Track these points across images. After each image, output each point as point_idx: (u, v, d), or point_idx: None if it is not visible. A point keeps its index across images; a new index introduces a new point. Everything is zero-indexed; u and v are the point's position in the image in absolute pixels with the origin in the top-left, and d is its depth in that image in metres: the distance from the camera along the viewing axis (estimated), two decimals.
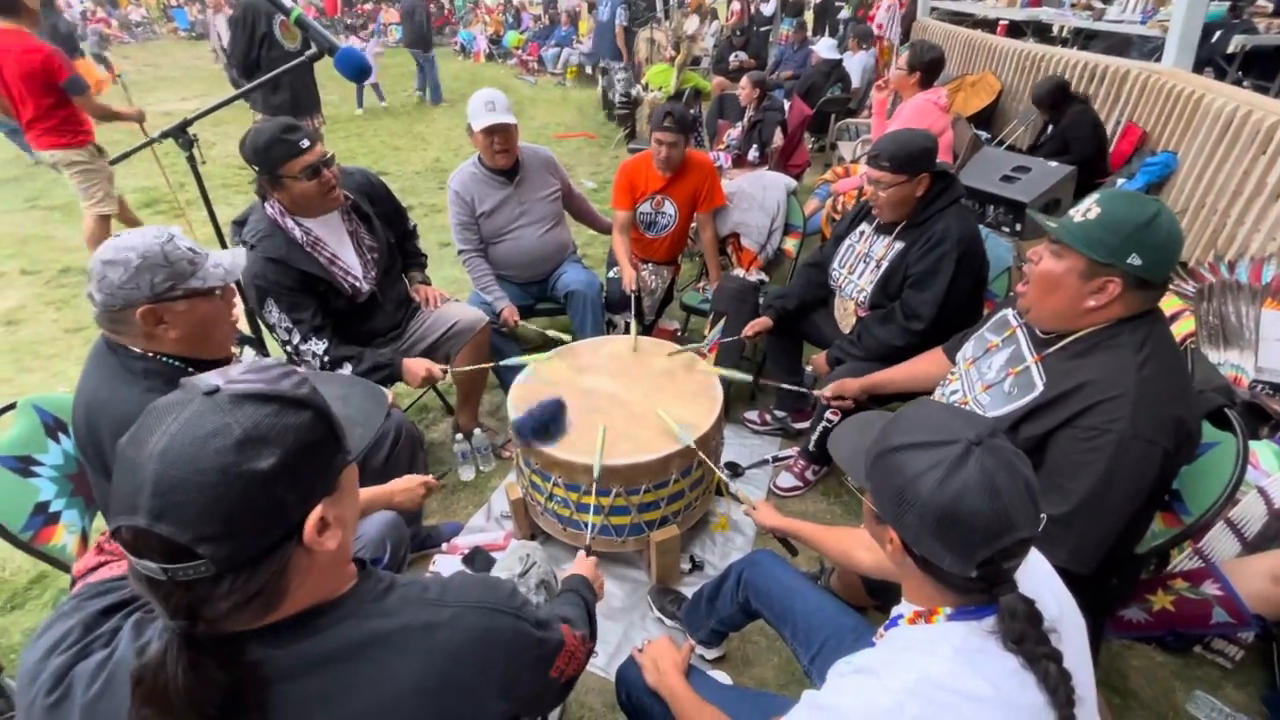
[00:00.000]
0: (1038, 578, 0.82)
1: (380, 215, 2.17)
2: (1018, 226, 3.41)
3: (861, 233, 2.15)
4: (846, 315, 2.20)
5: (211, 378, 0.60)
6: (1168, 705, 1.64)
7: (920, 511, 0.72)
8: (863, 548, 1.29)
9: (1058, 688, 0.70)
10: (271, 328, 1.97)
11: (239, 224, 1.96)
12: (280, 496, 0.58)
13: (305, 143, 1.78)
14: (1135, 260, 1.15)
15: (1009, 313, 1.52)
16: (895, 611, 0.86)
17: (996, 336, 1.52)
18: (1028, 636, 0.71)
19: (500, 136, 2.47)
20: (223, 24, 7.36)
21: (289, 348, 1.99)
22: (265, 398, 0.59)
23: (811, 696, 0.81)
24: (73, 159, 3.35)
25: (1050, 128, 4.00)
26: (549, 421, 1.77)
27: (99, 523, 1.46)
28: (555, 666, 0.82)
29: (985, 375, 1.48)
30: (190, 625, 0.57)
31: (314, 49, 1.56)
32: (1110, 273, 1.18)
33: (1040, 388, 1.28)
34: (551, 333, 2.35)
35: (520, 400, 1.94)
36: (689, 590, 1.84)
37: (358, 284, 2.06)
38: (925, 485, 0.72)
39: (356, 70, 1.55)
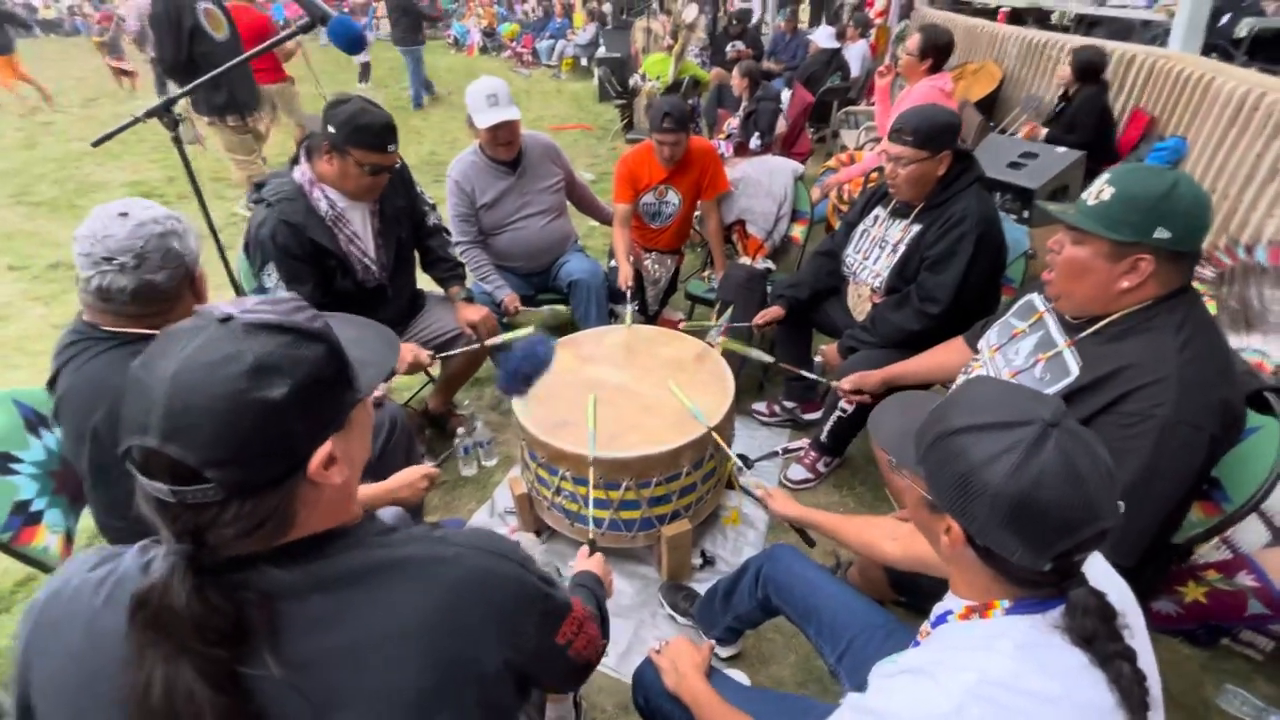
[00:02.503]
0: (1098, 569, 0.76)
1: (400, 199, 2.09)
2: (1025, 214, 3.36)
3: (876, 217, 2.09)
4: (861, 301, 2.14)
5: (225, 306, 0.59)
6: (1197, 699, 1.59)
7: (991, 501, 0.65)
8: (888, 538, 1.22)
9: (1131, 690, 0.64)
10: (265, 293, 1.90)
11: (259, 186, 1.90)
12: (289, 427, 0.58)
13: (391, 148, 1.82)
14: (1163, 234, 1.10)
15: (1035, 297, 1.46)
16: (942, 607, 0.80)
17: (1022, 322, 1.46)
18: (1099, 634, 0.65)
19: (504, 131, 2.40)
20: (131, 12, 6.31)
21: None
22: (280, 328, 0.58)
23: (856, 700, 0.75)
24: (279, 90, 4.97)
25: (1064, 104, 3.89)
26: (532, 359, 1.70)
27: (85, 522, 1.39)
28: (562, 632, 0.78)
29: (1012, 362, 1.42)
30: (196, 549, 0.57)
31: (305, 19, 1.49)
32: (1138, 250, 1.12)
33: (1076, 372, 1.22)
34: (547, 308, 2.24)
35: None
36: (701, 586, 1.78)
37: (372, 267, 2.00)
38: (997, 471, 0.65)
39: (351, 41, 1.48)
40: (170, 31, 3.68)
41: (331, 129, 1.76)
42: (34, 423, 1.35)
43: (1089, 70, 3.76)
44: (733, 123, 4.58)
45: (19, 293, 3.83)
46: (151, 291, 1.14)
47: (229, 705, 0.55)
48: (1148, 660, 0.71)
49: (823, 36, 6.39)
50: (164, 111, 1.53)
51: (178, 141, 1.59)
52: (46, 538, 1.28)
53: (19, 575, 1.98)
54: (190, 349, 0.55)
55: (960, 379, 1.60)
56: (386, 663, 0.61)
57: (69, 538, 1.34)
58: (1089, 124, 3.72)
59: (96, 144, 1.56)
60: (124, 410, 0.56)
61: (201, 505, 0.55)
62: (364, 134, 1.76)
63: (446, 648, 0.64)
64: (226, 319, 0.57)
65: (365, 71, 9.93)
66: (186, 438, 0.53)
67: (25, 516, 1.26)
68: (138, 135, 6.96)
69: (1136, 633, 0.70)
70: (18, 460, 1.29)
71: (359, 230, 1.95)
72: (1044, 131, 3.95)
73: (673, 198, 2.78)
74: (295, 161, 1.87)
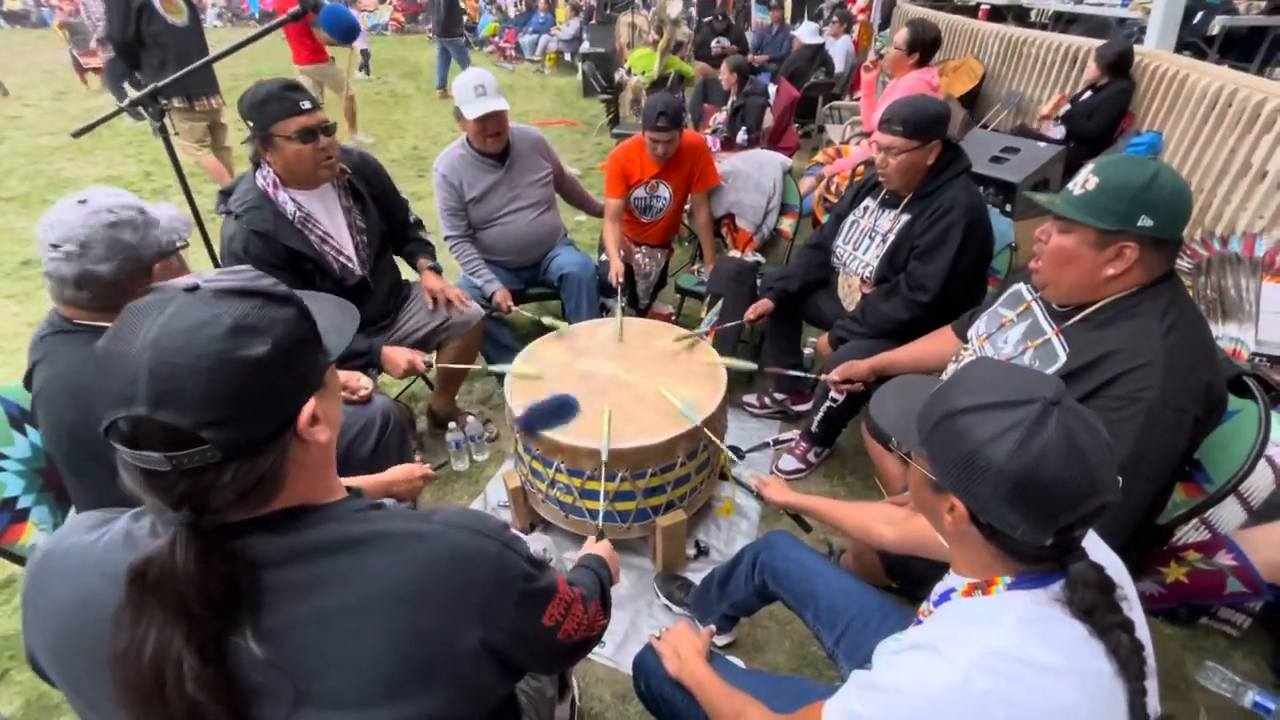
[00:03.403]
0: (1093, 544, 0.78)
1: (374, 197, 2.07)
2: (1008, 207, 3.41)
3: (866, 208, 2.11)
4: (851, 292, 2.17)
5: (188, 279, 0.60)
6: (1179, 677, 1.64)
7: (994, 478, 0.67)
8: (884, 522, 1.25)
9: (1129, 659, 0.66)
10: None
11: (225, 194, 1.85)
12: (275, 383, 0.59)
13: (306, 104, 1.71)
14: (1146, 222, 1.13)
15: (1022, 287, 1.49)
16: (944, 585, 0.82)
17: (1010, 311, 1.49)
18: (1099, 606, 0.67)
19: (493, 122, 2.38)
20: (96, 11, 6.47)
21: None
22: (248, 292, 0.60)
23: (863, 677, 0.76)
24: (320, 69, 5.86)
25: (1090, 93, 3.87)
26: (555, 415, 1.71)
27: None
28: (549, 613, 0.77)
29: (1002, 350, 1.45)
30: (197, 515, 0.57)
31: (297, 6, 1.46)
32: (1123, 238, 1.16)
33: (1064, 358, 1.25)
34: (547, 320, 2.27)
35: (520, 392, 1.86)
36: (695, 576, 1.79)
37: (350, 264, 1.96)
38: (1000, 449, 0.66)
39: (344, 30, 1.46)
40: (118, 7, 3.64)
41: (250, 124, 1.72)
42: (18, 419, 1.32)
43: (1119, 64, 3.73)
44: (719, 117, 4.58)
45: None
46: (93, 281, 1.11)
47: (213, 674, 0.57)
48: (1143, 631, 0.74)
49: (806, 32, 6.43)
50: (149, 101, 1.50)
51: (163, 131, 1.56)
52: (34, 535, 1.26)
53: (1, 577, 1.94)
54: (165, 317, 0.56)
55: (951, 368, 1.62)
56: (356, 634, 0.62)
57: None
58: (1109, 116, 3.72)
59: (78, 135, 1.52)
60: (102, 386, 0.56)
61: (199, 469, 0.56)
62: (269, 105, 1.69)
63: (417, 622, 0.64)
64: (193, 288, 0.58)
65: (365, 60, 9.90)
66: (176, 402, 0.54)
67: (12, 513, 1.24)
68: (112, 129, 6.79)
69: (1133, 605, 0.72)
70: (3, 457, 1.26)
71: (330, 230, 1.92)
72: (1065, 108, 3.93)
73: (664, 192, 2.79)
74: (256, 165, 1.82)
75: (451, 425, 2.35)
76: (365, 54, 10.00)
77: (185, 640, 0.56)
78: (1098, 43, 4.23)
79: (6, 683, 1.66)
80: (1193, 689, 1.61)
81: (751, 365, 2.06)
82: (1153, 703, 0.68)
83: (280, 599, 0.61)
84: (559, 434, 1.73)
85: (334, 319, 0.74)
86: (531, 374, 1.97)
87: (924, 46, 3.12)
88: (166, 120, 1.58)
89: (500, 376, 2.25)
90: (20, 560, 1.23)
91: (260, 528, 0.62)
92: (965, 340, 1.65)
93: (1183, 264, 2.40)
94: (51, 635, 0.65)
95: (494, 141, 2.45)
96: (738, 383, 2.76)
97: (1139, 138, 3.60)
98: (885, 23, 7.68)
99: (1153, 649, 0.72)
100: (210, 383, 0.55)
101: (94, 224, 1.09)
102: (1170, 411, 1.10)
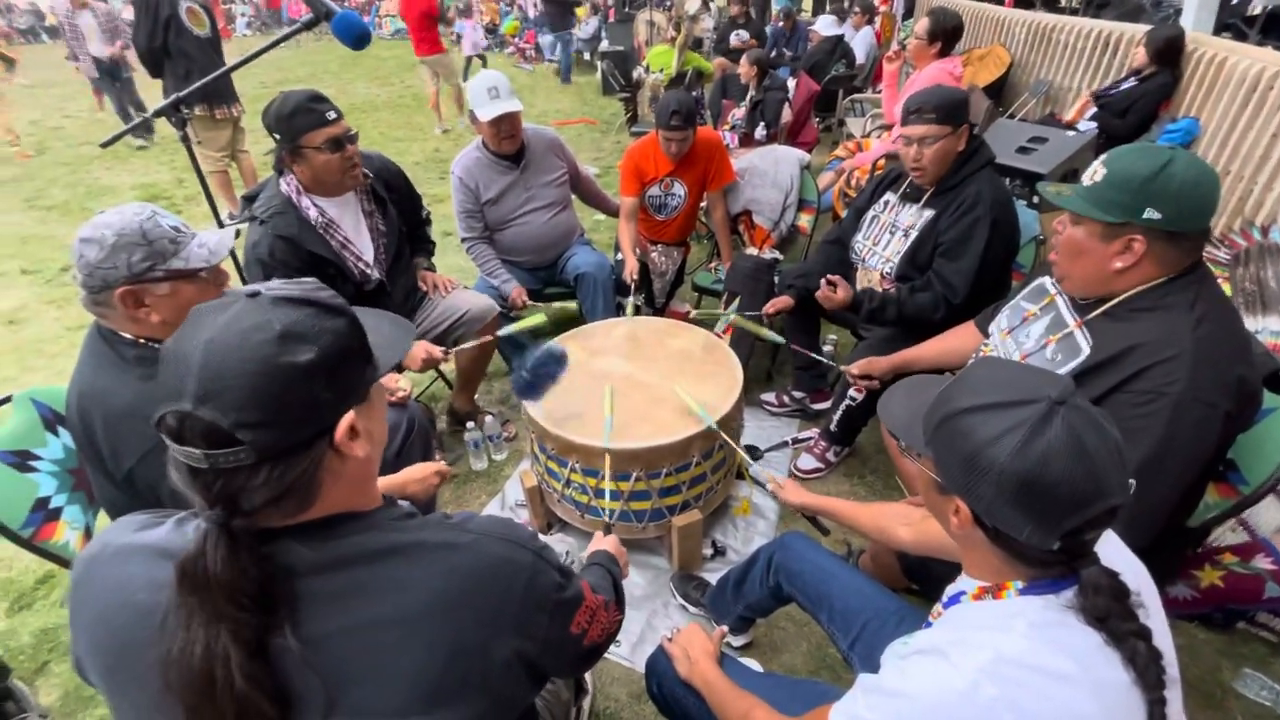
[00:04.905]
0: (1111, 548, 0.75)
1: (395, 202, 2.11)
2: (1035, 199, 3.32)
3: (886, 202, 2.08)
4: (870, 287, 2.13)
5: (252, 286, 0.63)
6: (1215, 684, 1.58)
7: (997, 479, 0.65)
8: (901, 523, 1.22)
9: (1147, 668, 0.64)
10: None
11: (249, 199, 1.90)
12: (316, 393, 0.60)
13: (332, 114, 1.75)
14: (1153, 214, 1.09)
15: (1046, 280, 1.45)
16: (955, 588, 0.80)
17: (1034, 305, 1.45)
18: (1112, 613, 0.64)
19: (506, 123, 2.39)
20: (88, 20, 6.90)
21: None
22: (304, 301, 0.62)
23: (870, 681, 0.75)
24: (438, 60, 6.80)
25: (1133, 80, 3.63)
26: (548, 367, 1.71)
27: (103, 520, 1.41)
28: (576, 621, 0.79)
29: (1024, 344, 1.41)
30: (228, 515, 0.59)
31: (309, 14, 1.49)
32: (1129, 231, 1.12)
33: (1087, 351, 1.22)
34: (558, 304, 2.26)
35: None
36: (712, 576, 1.78)
37: (369, 270, 2.00)
38: (1003, 450, 0.65)
39: (356, 37, 1.49)
40: (146, 17, 3.78)
41: (277, 136, 1.74)
42: (52, 421, 1.37)
43: (1169, 51, 3.47)
44: (738, 113, 4.55)
45: (34, 296, 3.88)
46: (77, 285, 1.15)
47: (259, 670, 0.58)
48: (1164, 639, 0.71)
49: (824, 25, 6.34)
50: (171, 111, 1.54)
51: (185, 140, 1.60)
52: (66, 533, 1.30)
53: (39, 573, 2.01)
54: (222, 320, 0.59)
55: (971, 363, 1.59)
56: (394, 644, 0.62)
57: (88, 533, 1.36)
58: (1147, 111, 3.51)
59: (105, 145, 1.57)
60: (160, 382, 0.59)
61: (234, 469, 0.57)
62: (298, 117, 1.72)
63: (454, 633, 0.64)
64: (254, 294, 0.61)
65: (467, 67, 10.18)
66: (220, 400, 0.56)
67: (46, 513, 1.28)
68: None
69: (1152, 612, 0.70)
70: (37, 458, 1.31)
71: (350, 235, 1.95)
72: (1091, 110, 3.71)
73: (679, 190, 2.77)
74: (280, 172, 1.86)
75: (470, 424, 2.37)
76: (483, 58, 10.53)
77: (231, 637, 0.57)
78: (1131, 27, 4.08)
79: (46, 675, 1.72)
80: (1229, 696, 1.54)
81: (779, 337, 2.07)
82: (1174, 712, 0.66)
83: (318, 607, 0.61)
84: (573, 435, 1.73)
85: (388, 335, 0.75)
86: (531, 325, 2.04)
87: (945, 35, 3.06)
88: (189, 129, 1.62)
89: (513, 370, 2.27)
90: (54, 558, 1.27)
91: (294, 535, 0.63)
92: (987, 334, 1.61)
93: (1221, 255, 2.31)
94: (97, 642, 0.66)
95: (508, 143, 2.47)
96: (756, 381, 2.74)
97: (1174, 124, 3.47)
98: (909, 13, 7.53)
99: (1181, 656, 0.69)
100: (253, 384, 0.56)
101: (76, 236, 1.12)
102: (1198, 405, 1.06)
